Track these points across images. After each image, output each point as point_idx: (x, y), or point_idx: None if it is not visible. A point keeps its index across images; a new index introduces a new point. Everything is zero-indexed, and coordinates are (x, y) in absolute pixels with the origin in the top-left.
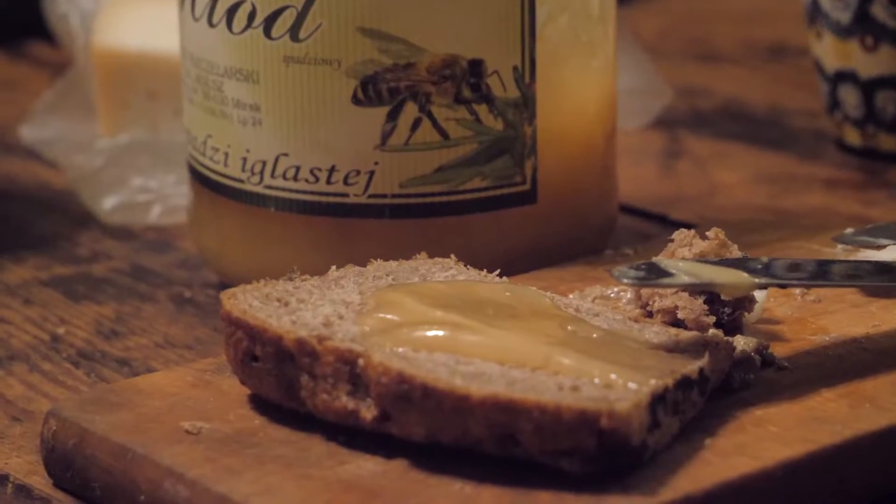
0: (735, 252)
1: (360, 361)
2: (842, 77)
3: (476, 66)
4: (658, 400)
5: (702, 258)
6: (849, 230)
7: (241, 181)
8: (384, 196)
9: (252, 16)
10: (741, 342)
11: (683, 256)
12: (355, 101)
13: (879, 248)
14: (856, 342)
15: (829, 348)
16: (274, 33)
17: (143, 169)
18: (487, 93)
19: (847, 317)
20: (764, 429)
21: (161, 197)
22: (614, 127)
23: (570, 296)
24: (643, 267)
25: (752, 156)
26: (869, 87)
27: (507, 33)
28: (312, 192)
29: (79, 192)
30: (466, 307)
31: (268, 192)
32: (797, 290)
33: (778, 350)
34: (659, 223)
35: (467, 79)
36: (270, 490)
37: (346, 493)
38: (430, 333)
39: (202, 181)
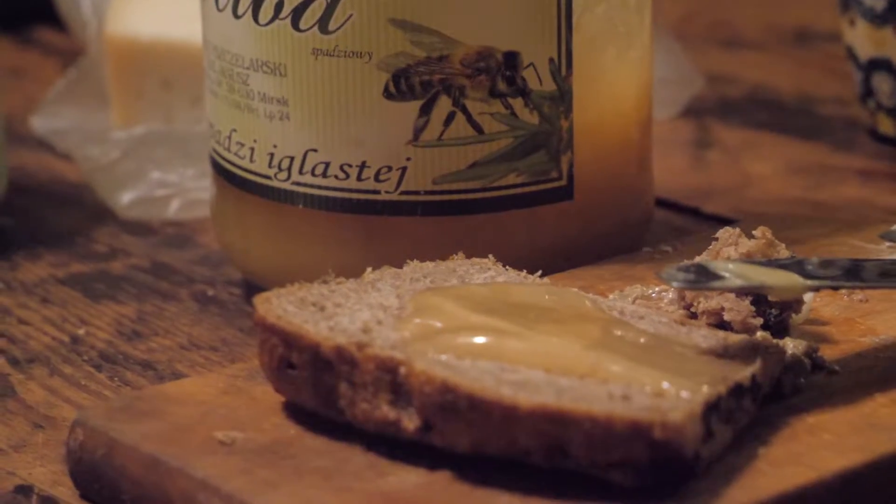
0: (783, 251)
1: (402, 370)
2: (876, 65)
3: (511, 59)
4: (711, 409)
5: (749, 259)
6: (895, 227)
7: (269, 177)
8: (417, 193)
9: (279, 7)
10: (790, 345)
11: (729, 256)
12: (387, 94)
13: None
14: None
15: (880, 350)
16: (302, 25)
17: (160, 162)
18: (523, 86)
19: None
20: (818, 437)
21: (180, 191)
22: (650, 119)
23: (611, 296)
24: (692, 269)
25: (784, 145)
26: None
27: (544, 24)
28: (343, 189)
29: (94, 185)
30: (508, 311)
31: (296, 188)
32: (844, 290)
33: (827, 353)
34: (692, 216)
35: (502, 71)
36: (310, 503)
37: None
38: (474, 339)
39: (226, 176)
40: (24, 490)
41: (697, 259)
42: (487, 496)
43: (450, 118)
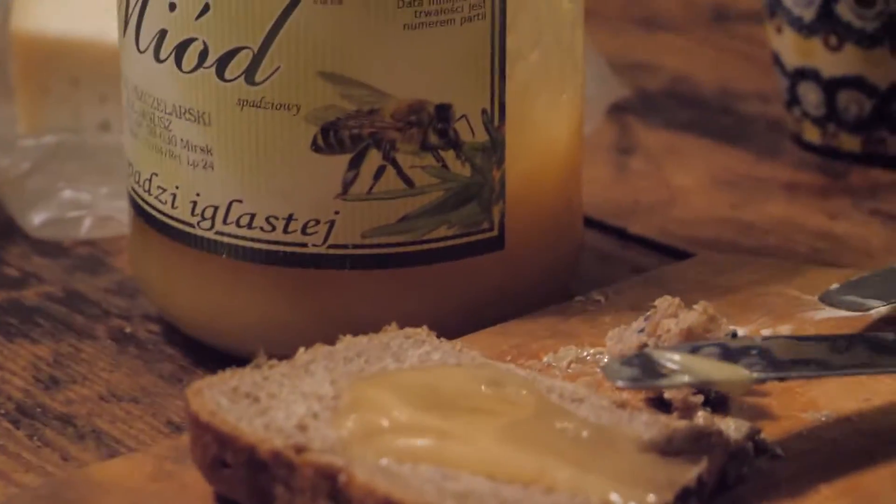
0: (724, 327)
1: (342, 477)
2: (803, 74)
3: (443, 111)
4: None
5: (691, 342)
6: (834, 286)
7: (192, 225)
8: (345, 246)
9: (203, 55)
10: (732, 428)
11: (669, 329)
12: (315, 148)
13: (868, 310)
14: (850, 422)
15: (823, 430)
16: (227, 75)
17: (71, 178)
18: (455, 138)
19: (836, 387)
20: None
21: (92, 210)
22: (580, 157)
23: (545, 358)
24: (636, 363)
25: (707, 151)
26: (831, 87)
27: (477, 75)
28: (268, 241)
29: (3, 199)
30: (447, 405)
31: (220, 238)
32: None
33: (769, 431)
34: (618, 239)
35: (434, 124)
36: None
37: None
38: (414, 442)
39: (146, 219)
40: None
41: (638, 351)
42: None
43: (380, 172)
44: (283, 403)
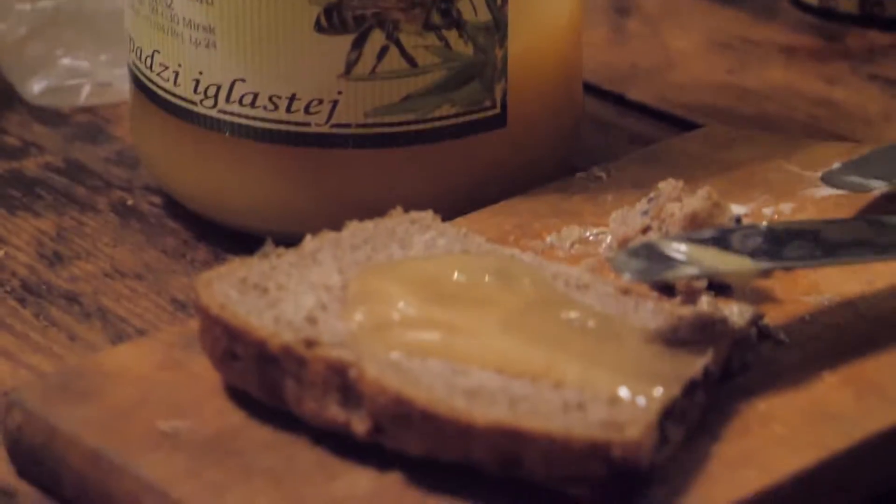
0: (728, 212)
1: (352, 372)
2: None
3: None
4: (666, 414)
5: (695, 227)
6: (836, 165)
7: (194, 103)
8: (348, 126)
9: None
10: (736, 313)
11: (673, 213)
12: (318, 28)
13: (868, 191)
14: (852, 306)
15: (826, 314)
16: None
17: (70, 45)
18: (458, 18)
19: (838, 270)
20: (770, 429)
21: (91, 77)
22: (580, 33)
23: (548, 238)
24: (642, 253)
25: (704, 11)
26: None
27: None
28: (271, 120)
29: (1, 65)
30: (455, 298)
31: (223, 116)
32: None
33: (772, 315)
34: (617, 105)
35: (437, 4)
36: None
37: None
38: (424, 337)
39: (148, 95)
40: None
41: (644, 239)
42: None
43: (383, 52)
44: (292, 295)
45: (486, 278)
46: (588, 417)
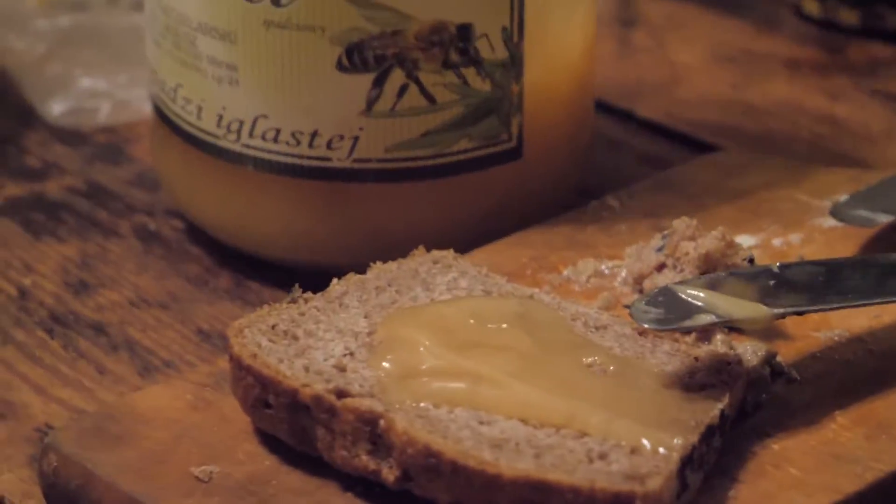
0: (742, 252)
1: (382, 423)
2: None
3: (465, 31)
4: (686, 463)
5: (710, 267)
6: (844, 198)
7: (217, 137)
8: (369, 160)
9: None
10: (749, 352)
11: (688, 253)
12: (340, 67)
13: (876, 225)
14: (861, 342)
15: (836, 351)
16: None
17: (88, 65)
18: (476, 56)
19: None
20: (784, 471)
21: (110, 97)
22: (593, 62)
23: (564, 272)
24: (660, 301)
25: (708, 24)
26: None
27: None
28: (294, 155)
29: (20, 83)
30: (479, 344)
31: (246, 150)
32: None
33: (783, 352)
34: (625, 122)
35: (456, 43)
36: None
37: None
38: (450, 386)
39: (172, 127)
40: None
41: (659, 277)
42: None
43: (403, 90)
44: (321, 342)
45: (508, 322)
46: (611, 468)
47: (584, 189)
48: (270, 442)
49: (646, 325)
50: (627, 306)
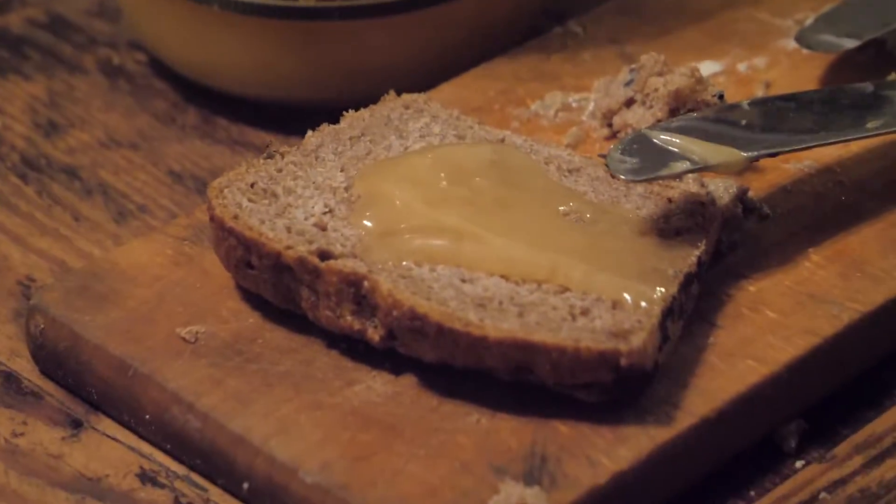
0: (710, 88)
1: (366, 284)
2: None
3: None
4: (667, 314)
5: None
6: (808, 23)
7: None
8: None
9: None
10: (721, 188)
11: (657, 89)
12: None
13: (842, 50)
14: (831, 173)
15: (806, 183)
16: None
17: None
18: None
19: None
20: (762, 314)
21: None
22: None
23: (532, 106)
24: (636, 149)
25: None
26: None
27: None
28: None
29: None
30: (457, 198)
31: None
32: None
33: (754, 186)
34: None
35: None
36: (286, 427)
37: (364, 429)
38: (431, 243)
39: None
40: None
41: (631, 122)
42: (457, 413)
43: None
44: (300, 199)
45: (483, 172)
46: (594, 325)
47: (547, 12)
48: (253, 298)
49: (622, 177)
50: (602, 155)
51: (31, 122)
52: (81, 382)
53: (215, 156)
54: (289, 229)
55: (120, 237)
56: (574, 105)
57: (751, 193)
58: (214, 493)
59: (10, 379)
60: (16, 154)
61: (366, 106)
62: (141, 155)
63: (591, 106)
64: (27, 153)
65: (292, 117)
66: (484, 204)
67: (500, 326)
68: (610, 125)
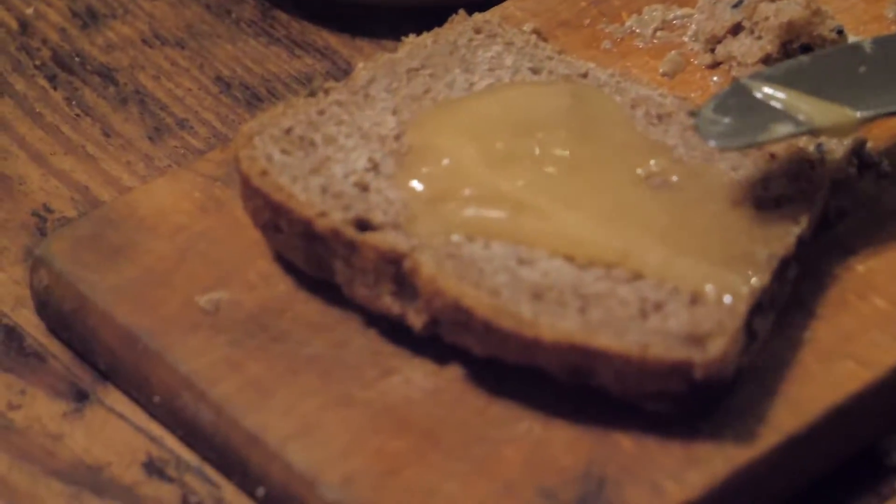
0: (828, 22)
1: (407, 263)
2: None
3: None
4: (755, 311)
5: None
6: None
7: None
8: None
9: None
10: (833, 140)
11: (768, 18)
12: None
13: None
14: None
15: None
16: None
17: None
18: None
19: None
20: (870, 303)
21: None
22: None
23: (628, 22)
24: (731, 104)
25: None
26: None
27: None
28: None
29: None
30: (524, 155)
31: None
32: None
33: (873, 134)
34: None
35: None
36: (308, 427)
37: (397, 433)
38: (488, 215)
39: None
40: None
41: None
42: (506, 418)
43: None
44: (342, 151)
45: (557, 121)
46: (667, 325)
47: None
48: (286, 259)
49: (713, 144)
50: (693, 113)
51: (67, 9)
52: (89, 349)
53: (270, 59)
54: (324, 190)
55: (153, 160)
56: (676, 23)
57: (869, 145)
58: (228, 490)
59: (13, 335)
60: (47, 49)
61: (454, 10)
62: (187, 56)
63: (693, 27)
64: (60, 49)
65: (362, 17)
66: (552, 166)
67: (557, 326)
68: (712, 51)
